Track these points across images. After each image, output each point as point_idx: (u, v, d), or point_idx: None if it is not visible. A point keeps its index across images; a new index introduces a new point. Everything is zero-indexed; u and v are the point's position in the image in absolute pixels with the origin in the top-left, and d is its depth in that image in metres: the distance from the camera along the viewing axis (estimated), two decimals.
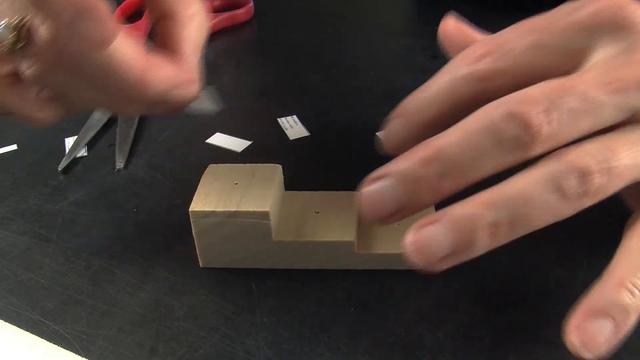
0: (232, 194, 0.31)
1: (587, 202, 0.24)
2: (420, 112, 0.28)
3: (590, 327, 0.24)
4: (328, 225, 0.32)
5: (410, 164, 0.24)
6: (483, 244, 0.23)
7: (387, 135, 0.29)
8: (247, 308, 0.31)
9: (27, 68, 0.28)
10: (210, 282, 0.32)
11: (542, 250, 0.32)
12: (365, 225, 0.33)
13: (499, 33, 0.28)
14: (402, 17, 0.64)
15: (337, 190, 0.36)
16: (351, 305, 0.31)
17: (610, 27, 0.26)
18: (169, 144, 0.43)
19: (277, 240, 0.32)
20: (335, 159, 0.41)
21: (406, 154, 0.25)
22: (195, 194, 0.32)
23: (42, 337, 0.30)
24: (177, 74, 0.31)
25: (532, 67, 0.27)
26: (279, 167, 0.34)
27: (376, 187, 0.25)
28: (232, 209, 0.31)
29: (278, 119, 0.45)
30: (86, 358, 0.29)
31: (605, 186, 0.24)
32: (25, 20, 0.28)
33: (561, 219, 0.24)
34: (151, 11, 0.34)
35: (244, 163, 0.34)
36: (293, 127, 0.44)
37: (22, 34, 0.28)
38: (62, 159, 0.42)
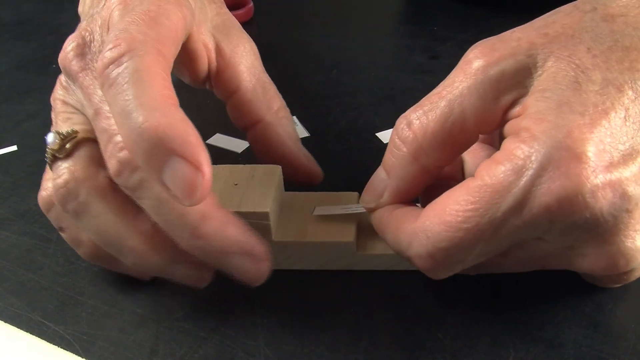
0: (232, 195, 0.31)
1: None
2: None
3: None
4: (328, 226, 0.32)
5: None
6: None
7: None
8: (247, 308, 0.31)
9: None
10: (210, 282, 0.32)
11: None
12: (365, 226, 0.33)
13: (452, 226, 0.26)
14: (402, 18, 0.64)
15: (337, 190, 0.36)
16: (351, 305, 0.31)
17: (566, 224, 0.25)
18: None
19: (277, 240, 0.32)
20: (335, 159, 0.41)
21: None
22: None
23: (42, 338, 0.30)
24: (243, 239, 0.28)
25: None
26: (279, 168, 0.34)
27: None
28: (232, 210, 0.30)
29: None
30: (86, 359, 0.29)
31: None
32: (74, 134, 0.29)
33: None
34: (238, 123, 0.36)
35: (244, 164, 0.34)
36: None
37: (65, 147, 0.29)
38: None
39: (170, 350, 0.29)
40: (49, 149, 0.30)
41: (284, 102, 0.36)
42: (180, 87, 0.30)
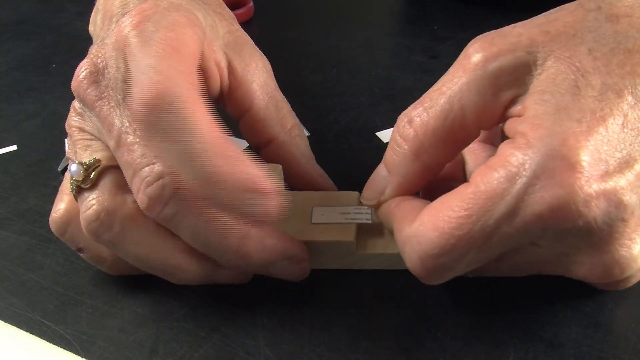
0: None
1: None
2: None
3: None
4: (328, 225, 0.32)
5: None
6: None
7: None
8: (247, 308, 0.31)
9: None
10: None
11: None
12: (365, 225, 0.33)
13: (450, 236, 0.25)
14: (402, 18, 0.64)
15: (337, 189, 0.36)
16: (351, 305, 0.31)
17: (560, 231, 0.25)
18: None
19: None
20: (335, 159, 0.41)
21: None
22: None
23: (42, 338, 0.30)
24: (282, 246, 0.29)
25: None
26: (279, 167, 0.34)
27: None
28: None
29: None
30: (86, 358, 0.29)
31: None
32: (97, 163, 0.29)
33: None
34: (251, 142, 0.36)
35: None
36: None
37: (90, 177, 0.29)
38: (62, 160, 0.42)
39: (170, 350, 0.29)
40: (73, 180, 0.29)
41: (297, 120, 0.36)
42: None
